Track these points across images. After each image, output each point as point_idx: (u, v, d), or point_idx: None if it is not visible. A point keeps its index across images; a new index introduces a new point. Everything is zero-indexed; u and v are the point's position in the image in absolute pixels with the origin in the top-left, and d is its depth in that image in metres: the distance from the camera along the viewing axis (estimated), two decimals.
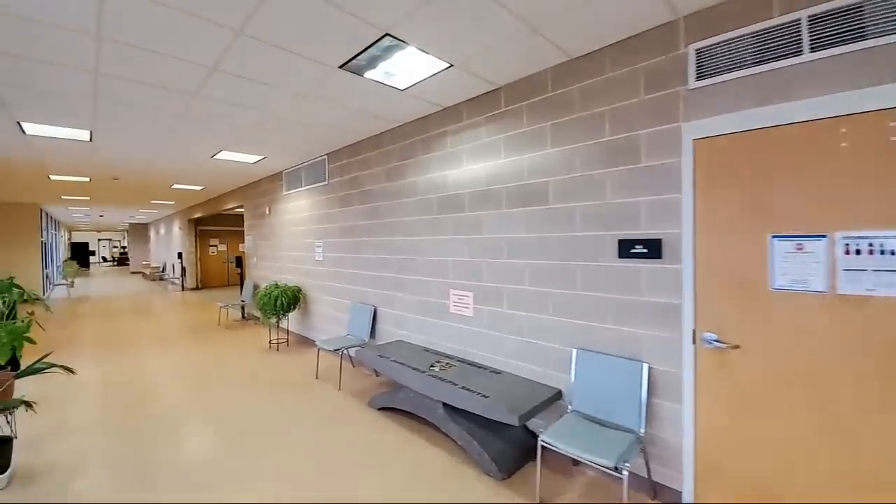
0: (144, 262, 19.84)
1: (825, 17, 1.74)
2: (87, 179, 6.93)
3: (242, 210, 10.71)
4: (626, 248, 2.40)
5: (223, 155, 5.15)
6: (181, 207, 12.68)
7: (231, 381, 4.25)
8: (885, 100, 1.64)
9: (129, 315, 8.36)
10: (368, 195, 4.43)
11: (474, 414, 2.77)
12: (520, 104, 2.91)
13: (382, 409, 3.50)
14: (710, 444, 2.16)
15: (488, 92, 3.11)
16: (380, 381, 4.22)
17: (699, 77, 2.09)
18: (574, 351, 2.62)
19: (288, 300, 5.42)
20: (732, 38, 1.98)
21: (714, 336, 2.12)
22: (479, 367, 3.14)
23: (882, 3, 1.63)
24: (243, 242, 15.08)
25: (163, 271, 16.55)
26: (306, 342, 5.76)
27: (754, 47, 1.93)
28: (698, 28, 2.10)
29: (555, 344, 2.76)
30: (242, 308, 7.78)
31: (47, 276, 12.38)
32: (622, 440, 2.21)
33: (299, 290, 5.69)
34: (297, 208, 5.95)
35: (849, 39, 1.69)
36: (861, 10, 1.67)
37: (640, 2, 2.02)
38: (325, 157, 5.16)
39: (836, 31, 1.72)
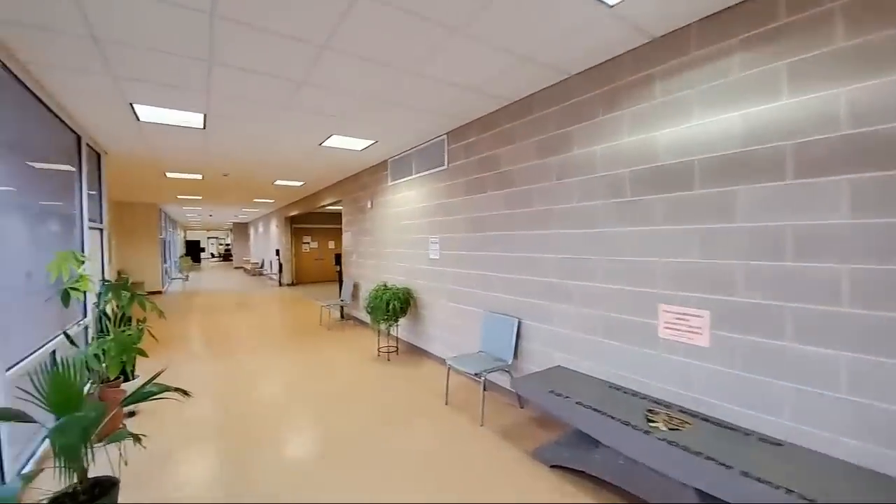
0: (245, 259, 21.43)
1: None
2: (200, 177, 7.00)
3: (337, 207, 10.64)
4: None
5: (332, 141, 4.61)
6: (279, 206, 13.09)
7: (348, 399, 3.63)
8: None
9: (234, 311, 8.51)
10: (508, 178, 3.51)
11: None
12: (823, 6, 1.73)
13: (557, 466, 2.56)
14: None
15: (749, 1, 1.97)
16: (529, 415, 3.30)
17: None
18: None
19: (400, 304, 4.75)
20: None
21: None
22: (736, 431, 2.04)
23: None
24: (334, 240, 15.45)
25: (261, 267, 17.57)
26: (417, 352, 5.06)
27: None
28: None
29: None
30: (342, 308, 7.43)
31: (166, 271, 13.57)
32: None
33: (409, 292, 5.00)
34: (406, 200, 5.27)
35: None
36: None
37: None
38: (445, 136, 4.36)
39: None
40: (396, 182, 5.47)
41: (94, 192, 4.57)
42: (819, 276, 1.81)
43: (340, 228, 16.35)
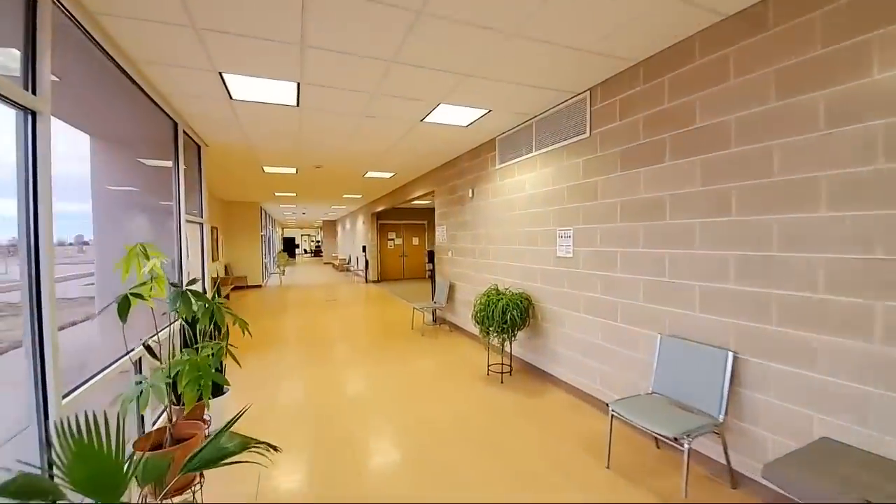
0: (334, 255, 22.38)
1: None
2: (294, 171, 6.81)
3: (422, 202, 10.11)
4: None
5: (438, 114, 3.80)
6: (366, 202, 13.04)
7: (466, 441, 2.77)
8: None
9: (325, 308, 8.34)
10: (712, 135, 2.32)
11: None
12: None
13: None
14: None
15: None
16: (750, 500, 2.11)
17: None
18: None
19: (520, 313, 3.80)
20: None
21: None
22: None
23: None
24: (418, 237, 15.13)
25: (349, 263, 18.02)
26: (536, 374, 4.06)
27: None
28: None
29: None
30: (434, 311, 6.73)
31: (266, 266, 14.40)
32: None
33: (529, 299, 4.02)
34: (520, 184, 4.28)
35: None
36: None
37: None
38: (587, 94, 3.27)
39: None
40: (507, 163, 4.50)
41: (194, 185, 4.37)
42: None
43: (424, 224, 16.02)
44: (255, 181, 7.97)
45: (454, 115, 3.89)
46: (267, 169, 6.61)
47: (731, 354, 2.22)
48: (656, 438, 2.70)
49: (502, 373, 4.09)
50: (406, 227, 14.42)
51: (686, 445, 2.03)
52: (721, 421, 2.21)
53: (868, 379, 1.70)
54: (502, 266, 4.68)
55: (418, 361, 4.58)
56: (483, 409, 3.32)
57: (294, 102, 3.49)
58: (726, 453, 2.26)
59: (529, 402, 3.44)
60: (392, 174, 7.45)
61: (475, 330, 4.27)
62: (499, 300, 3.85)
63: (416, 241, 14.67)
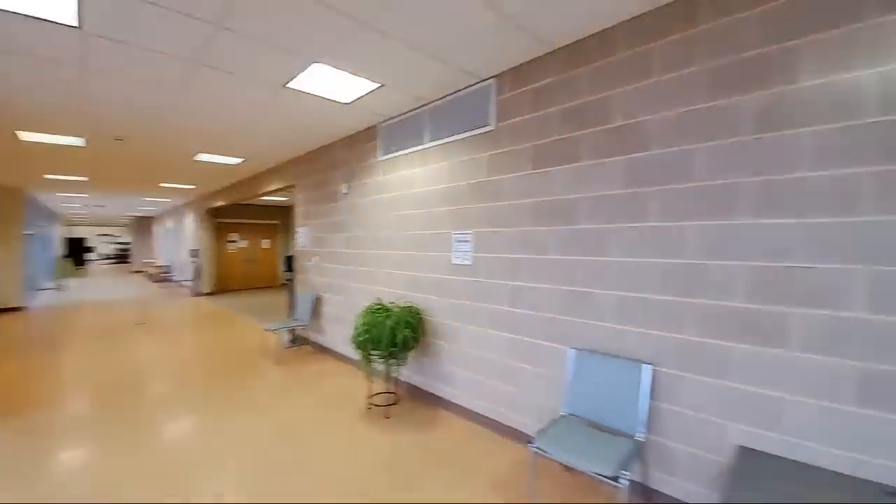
0: (148, 261, 17.57)
1: None
2: (82, 142, 4.70)
3: (281, 196, 8.51)
4: None
5: (310, 78, 2.94)
6: (199, 194, 10.44)
7: None
8: None
9: (131, 338, 6.10)
10: (634, 135, 2.20)
11: None
12: None
13: None
14: None
15: None
16: None
17: None
18: None
19: (412, 332, 3.20)
20: None
21: None
22: None
23: None
24: (270, 238, 12.85)
25: (169, 271, 14.30)
26: (424, 398, 3.53)
27: None
28: None
29: None
30: (293, 331, 5.55)
31: (31, 278, 10.10)
32: None
33: (419, 313, 3.47)
34: (409, 180, 3.73)
35: None
36: None
37: None
38: (493, 81, 2.94)
39: None
40: (394, 155, 3.89)
41: None
42: None
43: (278, 224, 13.76)
44: (11, 154, 5.29)
45: (333, 85, 3.08)
46: (24, 136, 4.38)
47: (648, 368, 2.11)
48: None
49: (388, 405, 3.42)
50: (254, 227, 12.23)
51: (624, 482, 1.78)
52: (642, 439, 2.07)
53: (796, 389, 1.71)
54: (385, 275, 4.02)
55: (275, 405, 3.50)
56: (370, 462, 2.59)
57: (73, 21, 2.16)
58: (645, 472, 2.14)
59: (424, 439, 2.88)
60: (240, 160, 5.95)
61: (349, 350, 3.50)
62: (387, 318, 3.18)
63: (267, 243, 12.59)
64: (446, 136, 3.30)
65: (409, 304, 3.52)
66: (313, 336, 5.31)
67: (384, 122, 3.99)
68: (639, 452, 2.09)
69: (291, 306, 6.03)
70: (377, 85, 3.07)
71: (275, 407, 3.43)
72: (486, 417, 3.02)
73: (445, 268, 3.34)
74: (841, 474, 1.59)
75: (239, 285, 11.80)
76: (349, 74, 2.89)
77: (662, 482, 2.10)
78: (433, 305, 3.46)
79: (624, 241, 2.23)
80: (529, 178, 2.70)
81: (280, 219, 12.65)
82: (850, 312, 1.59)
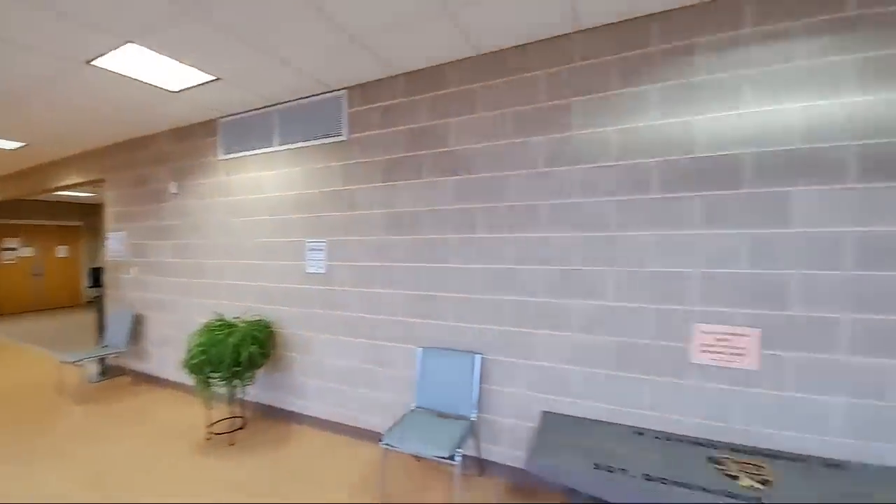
0: None
1: None
2: None
3: (84, 191, 6.60)
4: None
5: (124, 59, 2.50)
6: None
7: None
8: None
9: None
10: (463, 160, 2.55)
11: None
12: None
13: None
14: None
15: None
16: (502, 484, 2.40)
17: None
18: None
19: (260, 349, 2.99)
20: None
21: None
22: (800, 461, 1.77)
23: None
24: (70, 245, 9.84)
25: None
26: (276, 415, 3.34)
27: None
28: None
29: None
30: (103, 361, 4.48)
31: None
32: None
33: (269, 326, 3.26)
34: (257, 183, 3.47)
35: None
36: None
37: None
38: (344, 93, 2.98)
39: None
40: (239, 155, 3.55)
41: None
42: (881, 285, 1.71)
43: (80, 226, 10.64)
44: None
45: (155, 70, 2.67)
46: None
47: (478, 357, 2.48)
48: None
49: (233, 430, 3.11)
50: (45, 230, 9.37)
51: (458, 459, 2.06)
52: (475, 419, 2.41)
53: (576, 361, 2.25)
54: (229, 287, 3.64)
55: (89, 450, 2.81)
56: (214, 492, 2.34)
57: None
58: (478, 446, 2.49)
59: (276, 458, 2.74)
60: (19, 144, 4.53)
61: (181, 376, 3.07)
62: (229, 335, 2.91)
63: (64, 251, 9.79)
64: (299, 141, 3.20)
65: (258, 318, 3.27)
66: (134, 364, 4.41)
67: (225, 117, 3.62)
68: (473, 431, 2.42)
69: (101, 330, 4.87)
70: (212, 77, 2.79)
71: (88, 452, 2.75)
72: (344, 425, 3.04)
73: (299, 277, 3.23)
74: (605, 422, 2.17)
75: (22, 306, 8.87)
76: (175, 62, 2.55)
77: (492, 452, 2.49)
78: (285, 316, 3.30)
79: (460, 250, 2.57)
80: (381, 190, 2.85)
81: (83, 220, 9.98)
82: (605, 301, 2.18)
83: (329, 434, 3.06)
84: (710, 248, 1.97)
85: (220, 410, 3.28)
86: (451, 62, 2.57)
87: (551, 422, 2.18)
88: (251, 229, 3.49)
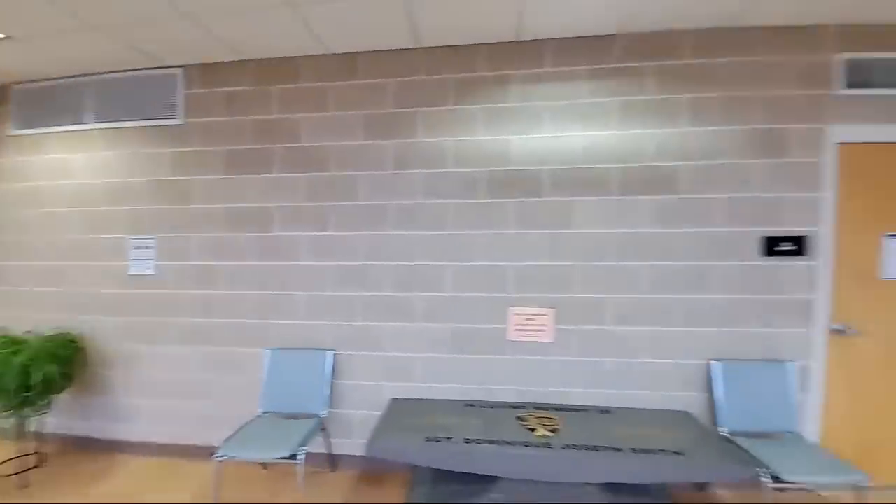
0: None
1: None
2: None
3: None
4: (770, 246, 2.25)
5: None
6: None
7: None
8: None
9: None
10: (316, 156, 2.56)
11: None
12: (643, 63, 2.30)
13: None
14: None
15: (597, 36, 2.32)
16: (351, 476, 2.47)
17: (848, 85, 2.17)
18: (714, 364, 2.24)
19: (61, 368, 2.46)
20: (875, 60, 2.15)
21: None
22: (582, 411, 2.27)
23: None
24: None
25: None
26: (91, 447, 2.79)
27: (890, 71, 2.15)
28: (850, 40, 2.17)
29: (684, 360, 2.30)
30: None
31: None
32: None
33: (76, 341, 2.71)
34: (64, 167, 2.84)
35: None
36: None
37: None
38: (180, 70, 2.67)
39: None
40: (36, 131, 2.86)
41: None
42: (631, 272, 2.32)
43: None
44: None
45: None
46: None
47: (331, 353, 2.52)
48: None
49: (25, 470, 2.48)
50: None
51: (301, 458, 2.05)
52: (325, 415, 2.44)
53: (420, 348, 2.46)
54: (19, 296, 2.90)
55: None
56: None
57: None
58: (329, 443, 2.52)
59: (90, 493, 2.30)
60: None
61: None
62: (14, 354, 2.33)
63: None
64: (121, 120, 2.76)
65: (60, 332, 2.69)
66: None
67: (20, 84, 2.90)
68: (323, 428, 2.44)
69: None
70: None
71: None
72: (179, 445, 2.70)
73: (119, 280, 2.77)
74: (443, 400, 2.42)
75: None
76: None
77: (344, 446, 2.54)
78: (102, 328, 2.79)
79: (312, 248, 2.56)
80: (223, 183, 2.65)
81: None
82: (443, 293, 2.45)
83: (161, 459, 2.69)
84: (522, 245, 2.39)
85: (6, 448, 2.59)
86: (306, 57, 2.56)
87: (396, 407, 2.34)
88: (54, 224, 2.86)
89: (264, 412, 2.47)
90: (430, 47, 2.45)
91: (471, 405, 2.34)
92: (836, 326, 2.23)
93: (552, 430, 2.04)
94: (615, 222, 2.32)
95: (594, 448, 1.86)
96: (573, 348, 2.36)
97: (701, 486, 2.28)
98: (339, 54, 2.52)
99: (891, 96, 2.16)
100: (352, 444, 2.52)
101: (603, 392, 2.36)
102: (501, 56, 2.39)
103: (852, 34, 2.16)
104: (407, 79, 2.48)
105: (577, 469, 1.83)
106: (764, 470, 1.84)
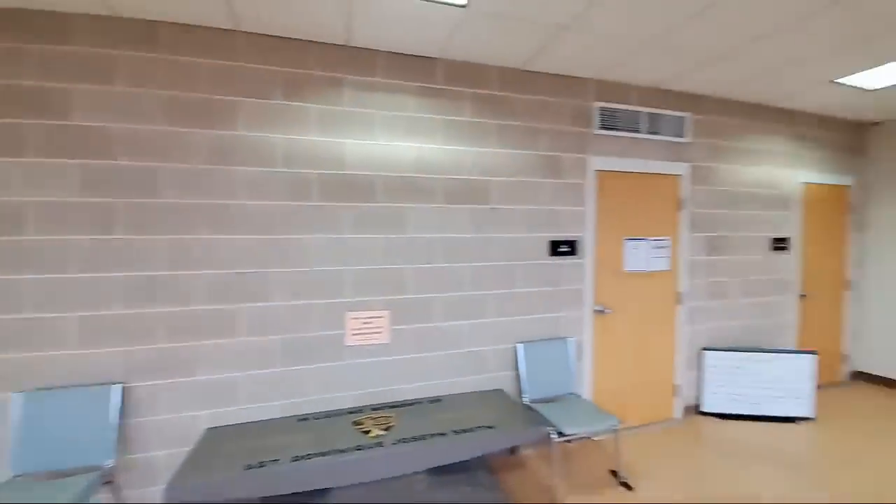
0: None
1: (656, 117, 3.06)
2: None
3: None
4: (554, 248, 2.84)
5: None
6: None
7: None
8: (669, 168, 3.15)
9: None
10: (96, 140, 2.02)
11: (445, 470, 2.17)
12: (461, 88, 2.59)
13: None
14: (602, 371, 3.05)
15: (423, 57, 2.51)
16: None
17: (601, 127, 2.92)
18: (519, 346, 2.71)
19: None
20: (617, 109, 2.96)
21: (602, 307, 3.01)
22: (416, 404, 2.43)
23: (659, 117, 3.12)
24: None
25: None
26: None
27: (628, 118, 3.00)
28: (605, 92, 2.93)
29: (498, 345, 2.70)
30: None
31: None
32: None
33: None
34: None
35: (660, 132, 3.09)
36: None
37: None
38: None
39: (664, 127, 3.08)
40: None
41: None
42: (455, 272, 2.60)
43: None
44: None
45: None
46: None
47: (119, 387, 2.04)
48: None
49: None
50: None
51: None
52: (112, 465, 1.96)
53: (244, 366, 2.20)
54: None
55: None
56: None
57: None
58: (119, 497, 2.03)
59: None
60: None
61: None
62: None
63: None
64: None
65: None
66: None
67: None
68: (109, 481, 1.95)
69: None
70: None
71: None
72: None
73: None
74: (274, 419, 2.23)
75: None
76: None
77: (146, 495, 2.08)
78: None
79: (89, 255, 2.03)
80: None
81: None
82: (273, 302, 2.27)
83: None
84: (359, 249, 2.41)
85: None
86: (82, 15, 2.01)
87: (210, 438, 2.04)
88: None
89: (16, 476, 1.83)
90: (253, 33, 2.24)
91: (305, 419, 2.23)
92: (597, 308, 2.97)
93: (386, 429, 2.12)
94: (442, 228, 2.56)
95: (422, 437, 2.01)
96: (408, 346, 2.50)
97: (512, 451, 2.71)
98: (131, 19, 2.08)
99: (627, 137, 3.00)
100: (156, 493, 2.09)
101: (434, 383, 2.57)
102: (335, 58, 2.37)
103: (604, 88, 2.93)
104: (226, 63, 2.22)
105: (407, 461, 1.94)
106: (552, 428, 2.31)
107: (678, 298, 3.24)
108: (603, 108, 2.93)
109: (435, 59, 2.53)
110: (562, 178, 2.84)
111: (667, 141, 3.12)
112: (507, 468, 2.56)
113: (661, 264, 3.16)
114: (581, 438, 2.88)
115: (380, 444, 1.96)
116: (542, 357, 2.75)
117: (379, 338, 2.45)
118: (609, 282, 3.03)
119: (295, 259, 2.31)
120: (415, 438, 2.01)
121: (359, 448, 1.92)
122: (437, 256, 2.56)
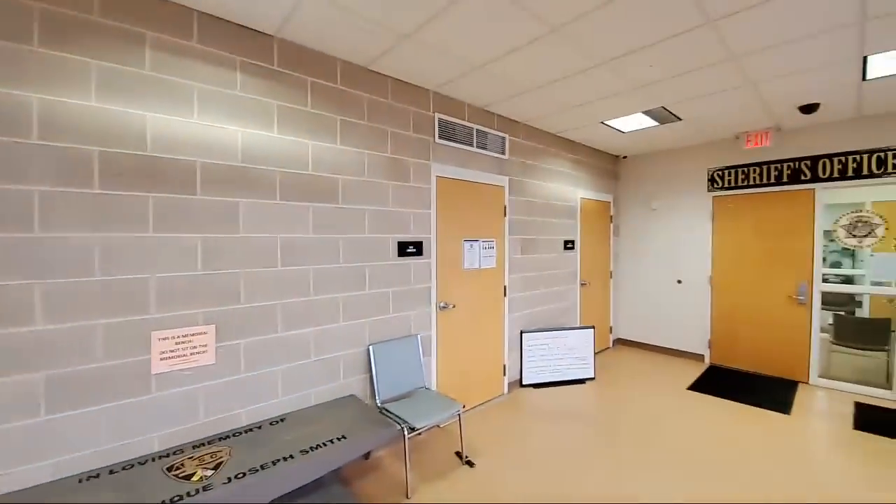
0: None
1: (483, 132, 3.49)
2: None
3: None
4: (402, 248, 2.92)
5: None
6: None
7: None
8: (495, 180, 3.64)
9: None
10: None
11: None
12: (301, 75, 2.38)
13: None
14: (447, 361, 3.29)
15: (257, 31, 2.19)
16: None
17: (440, 137, 3.16)
18: (372, 347, 2.67)
19: None
20: (455, 123, 3.26)
21: (445, 303, 3.26)
22: (254, 430, 2.10)
23: (491, 133, 3.61)
24: None
25: None
26: None
27: (463, 132, 3.32)
28: (443, 105, 3.16)
29: (349, 350, 2.60)
30: None
31: None
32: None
33: None
34: None
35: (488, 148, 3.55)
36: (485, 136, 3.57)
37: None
38: None
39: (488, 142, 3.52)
40: None
41: None
42: (299, 276, 2.38)
43: None
44: None
45: None
46: None
47: None
48: None
49: None
50: None
51: None
52: None
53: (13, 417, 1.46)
54: None
55: None
56: None
57: None
58: None
59: None
60: None
61: None
62: None
63: None
64: None
65: None
66: None
67: None
68: None
69: None
70: None
71: None
72: None
73: None
74: (42, 484, 1.56)
75: None
76: None
77: None
78: None
79: None
80: None
81: None
82: (31, 327, 1.60)
83: None
84: (165, 251, 1.93)
85: None
86: None
87: None
88: None
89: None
90: None
91: (95, 476, 1.65)
92: (441, 304, 3.19)
93: (215, 467, 1.76)
94: (281, 227, 2.30)
95: (262, 467, 1.75)
96: (240, 364, 2.14)
97: (366, 456, 2.64)
98: None
99: (463, 149, 3.32)
100: None
101: (278, 401, 2.28)
102: (131, 6, 1.84)
103: (443, 101, 3.17)
104: None
105: (247, 498, 1.66)
106: (405, 425, 2.35)
107: (504, 291, 3.78)
108: (441, 120, 3.17)
109: (271, 36, 2.26)
110: (408, 182, 2.95)
111: (493, 156, 3.62)
112: (361, 474, 2.48)
113: (490, 262, 3.63)
114: (430, 428, 3.04)
115: (207, 488, 1.61)
116: (394, 357, 2.78)
117: (201, 359, 2.01)
118: (450, 280, 3.29)
119: (64, 265, 1.68)
120: (253, 471, 1.73)
121: (178, 499, 1.54)
122: (275, 258, 2.28)
